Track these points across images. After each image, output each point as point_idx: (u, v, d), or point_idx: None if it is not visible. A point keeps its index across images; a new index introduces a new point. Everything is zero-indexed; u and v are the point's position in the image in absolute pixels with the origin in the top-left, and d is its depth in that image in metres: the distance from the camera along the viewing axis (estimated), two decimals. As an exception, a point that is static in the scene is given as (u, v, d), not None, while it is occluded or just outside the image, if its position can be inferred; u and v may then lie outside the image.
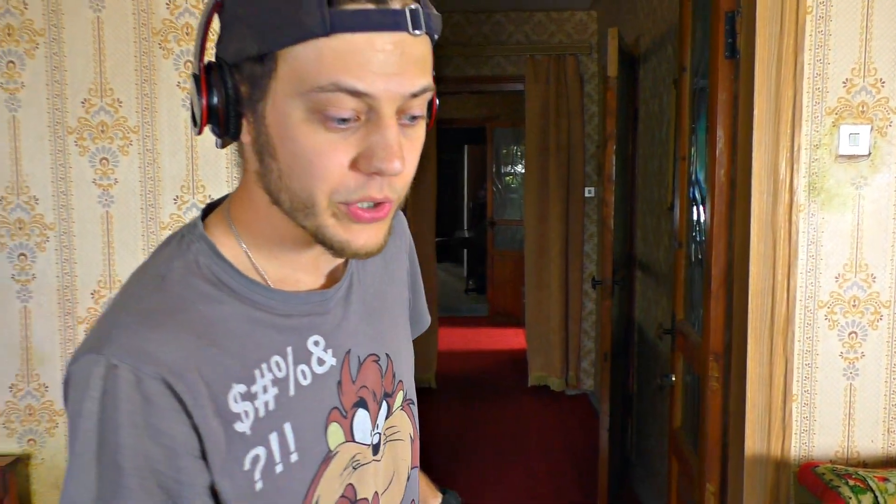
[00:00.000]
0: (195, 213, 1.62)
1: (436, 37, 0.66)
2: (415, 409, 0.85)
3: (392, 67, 0.59)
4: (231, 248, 0.69)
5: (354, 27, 0.58)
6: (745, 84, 1.68)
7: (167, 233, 1.70)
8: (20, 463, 1.76)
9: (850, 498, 1.42)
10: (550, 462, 3.92)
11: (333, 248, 0.65)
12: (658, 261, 3.21)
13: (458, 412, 4.76)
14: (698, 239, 2.17)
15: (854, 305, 1.67)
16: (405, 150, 0.63)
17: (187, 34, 1.66)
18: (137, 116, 1.67)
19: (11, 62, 1.64)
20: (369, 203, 0.63)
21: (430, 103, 0.70)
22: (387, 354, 0.80)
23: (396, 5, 0.60)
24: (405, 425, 0.82)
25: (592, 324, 5.15)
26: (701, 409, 1.94)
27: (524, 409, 4.86)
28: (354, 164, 0.61)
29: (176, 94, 1.68)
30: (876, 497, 1.42)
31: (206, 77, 0.63)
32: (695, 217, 2.24)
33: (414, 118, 0.64)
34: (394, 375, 0.81)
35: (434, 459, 3.85)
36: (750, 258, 1.67)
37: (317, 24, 0.57)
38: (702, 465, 1.93)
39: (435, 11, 0.65)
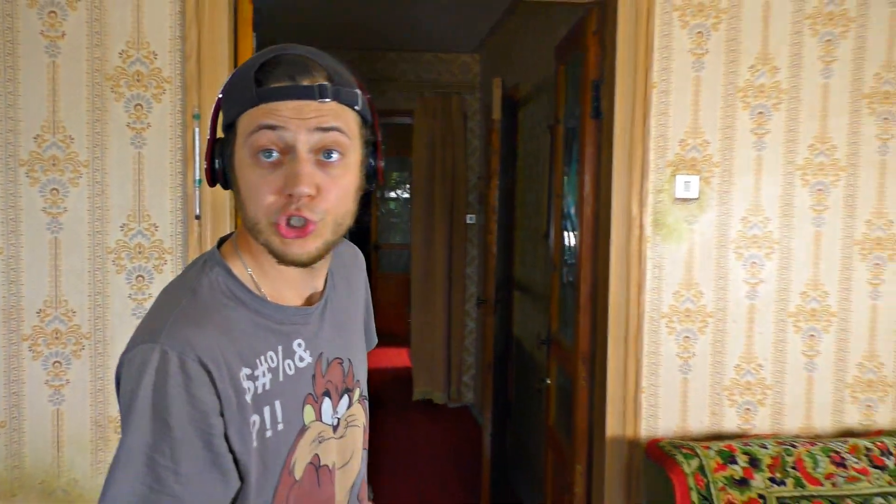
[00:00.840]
0: (140, 240, 1.84)
1: (356, 107, 0.88)
2: (367, 404, 1.10)
3: (300, 113, 0.83)
4: (240, 270, 0.92)
5: (275, 97, 0.84)
6: (607, 140, 2.12)
7: (112, 256, 1.90)
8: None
9: (683, 462, 1.85)
10: (437, 468, 4.25)
11: (276, 256, 0.87)
12: (535, 281, 3.65)
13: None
14: (569, 262, 2.59)
15: (687, 316, 2.13)
16: (322, 182, 0.85)
17: (137, 80, 1.88)
18: (88, 152, 1.87)
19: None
20: (297, 220, 0.84)
21: (376, 164, 0.94)
22: (349, 359, 1.05)
23: (306, 82, 0.84)
24: (360, 415, 1.07)
25: (473, 341, 5.56)
26: (572, 403, 2.34)
27: (411, 422, 5.16)
28: (279, 191, 0.84)
29: (125, 134, 1.88)
30: (701, 461, 1.86)
31: (210, 149, 0.91)
32: (566, 244, 2.66)
33: (330, 155, 0.85)
34: (353, 376, 1.06)
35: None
36: (610, 279, 2.09)
37: (250, 99, 0.85)
38: (572, 449, 2.32)
39: (353, 88, 0.87)
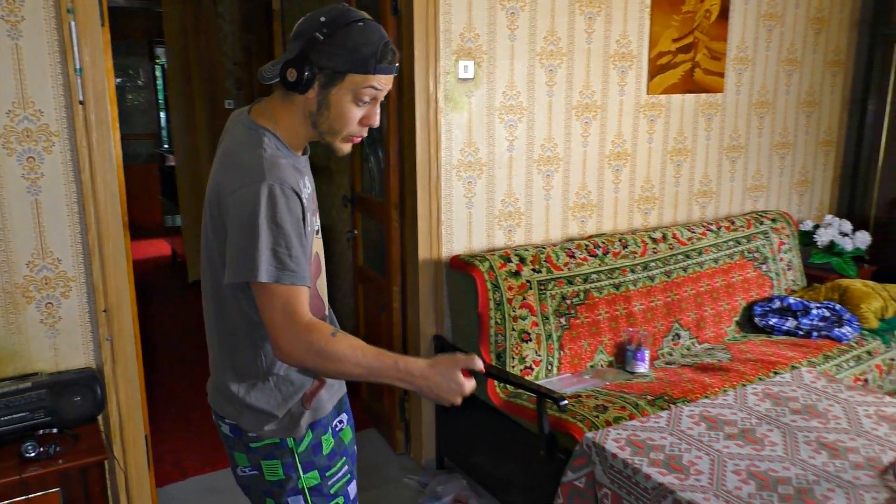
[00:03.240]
0: (27, 125, 2.07)
1: None
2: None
3: (389, 83, 1.40)
4: (279, 135, 1.42)
5: (384, 73, 1.36)
6: (407, 33, 2.73)
7: (2, 141, 2.09)
8: None
9: (479, 265, 2.68)
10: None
11: (332, 149, 1.43)
12: (325, 156, 4.19)
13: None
14: (374, 134, 3.21)
15: (469, 166, 2.91)
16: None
17: (7, -25, 2.03)
18: (-37, 43, 2.00)
19: None
20: (359, 134, 1.42)
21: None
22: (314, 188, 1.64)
23: (396, 65, 1.38)
24: (316, 223, 1.67)
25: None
26: (385, 241, 3.04)
27: (193, 302, 5.49)
28: (361, 120, 1.39)
29: (1, 26, 2.05)
30: (490, 263, 2.71)
31: (305, 68, 1.36)
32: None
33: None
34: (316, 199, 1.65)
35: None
36: (417, 142, 2.77)
37: (372, 68, 1.34)
38: (388, 276, 3.05)
39: None
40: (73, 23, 2.10)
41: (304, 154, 1.50)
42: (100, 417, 2.27)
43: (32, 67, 2.09)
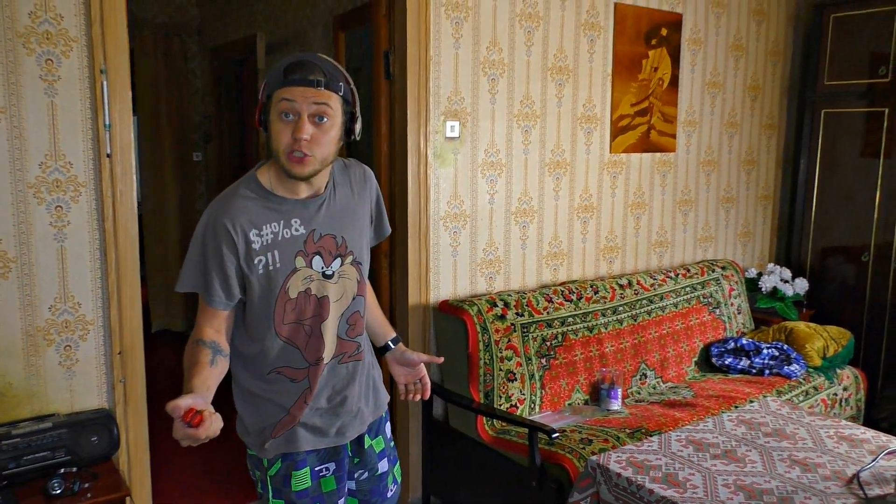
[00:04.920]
0: (57, 176, 2.21)
1: (340, 93, 1.51)
2: (363, 267, 1.73)
3: (305, 94, 1.48)
4: (264, 178, 1.61)
5: (293, 84, 1.47)
6: (399, 96, 2.97)
7: (33, 191, 2.21)
8: None
9: (469, 308, 2.88)
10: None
11: (286, 173, 1.54)
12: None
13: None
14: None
15: (455, 217, 3.13)
16: (315, 133, 1.50)
17: (46, 39, 2.19)
18: (4, 99, 2.14)
19: None
20: (298, 153, 1.50)
21: (352, 126, 1.62)
22: (342, 236, 1.73)
23: (311, 77, 1.47)
24: (352, 272, 1.73)
25: (206, 270, 5.99)
26: (375, 287, 3.21)
27: (156, 352, 5.48)
28: (290, 136, 1.50)
29: (39, 85, 2.19)
30: (478, 307, 2.91)
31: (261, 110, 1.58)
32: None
33: (322, 119, 1.50)
34: (346, 247, 1.73)
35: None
36: (408, 195, 2.99)
37: (280, 83, 1.51)
38: (378, 321, 3.21)
39: (338, 82, 1.51)
40: (105, 82, 2.26)
41: (313, 196, 1.63)
42: (113, 457, 2.34)
43: (65, 123, 2.23)
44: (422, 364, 1.86)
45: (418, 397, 1.87)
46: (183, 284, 1.59)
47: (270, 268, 1.57)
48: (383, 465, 1.82)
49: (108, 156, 2.30)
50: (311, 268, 1.63)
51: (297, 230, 1.60)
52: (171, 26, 5.62)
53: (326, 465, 1.67)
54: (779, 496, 1.76)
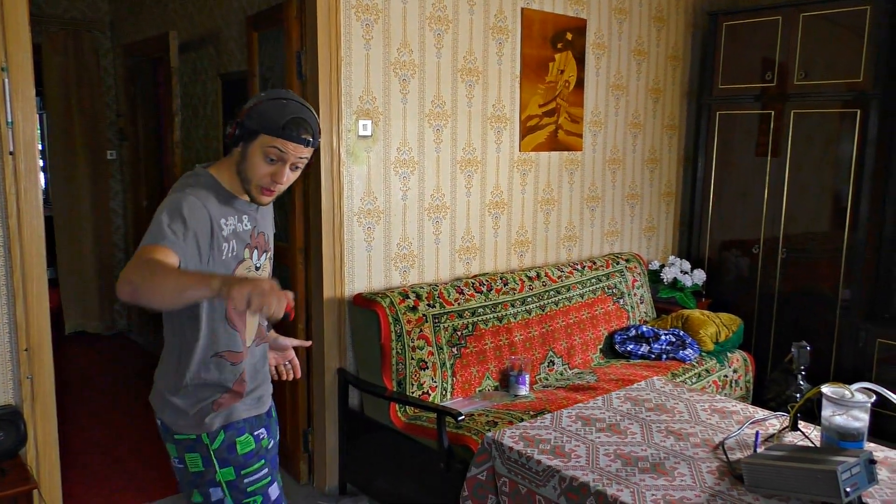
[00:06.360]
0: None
1: (315, 147, 1.75)
2: (271, 263, 1.94)
3: (296, 150, 1.70)
4: (224, 181, 1.73)
5: (289, 139, 1.66)
6: (312, 95, 3.05)
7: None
8: None
9: (381, 301, 2.99)
10: (112, 390, 4.72)
11: (252, 200, 1.72)
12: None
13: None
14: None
15: (368, 213, 3.23)
16: (289, 177, 1.68)
17: None
18: None
19: None
20: (268, 190, 1.69)
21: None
22: (266, 233, 1.89)
23: (305, 136, 1.64)
24: (268, 266, 1.91)
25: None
26: (290, 282, 3.28)
27: (69, 353, 5.37)
28: (269, 175, 1.68)
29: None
30: (391, 299, 3.02)
31: (235, 127, 1.69)
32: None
33: (296, 167, 1.69)
34: (268, 244, 1.90)
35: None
36: (322, 192, 3.07)
37: (277, 132, 1.65)
38: (294, 315, 3.28)
39: (319, 139, 1.70)
40: (6, 80, 2.26)
41: (249, 201, 1.77)
42: (21, 452, 2.35)
43: (-35, 119, 2.22)
44: (291, 348, 2.07)
45: (291, 377, 2.09)
46: (148, 240, 1.56)
47: (231, 254, 1.71)
48: (278, 433, 2.00)
49: (11, 153, 2.30)
50: (252, 260, 1.80)
51: (246, 225, 1.76)
52: (81, 22, 5.51)
53: (260, 431, 1.84)
54: (651, 462, 1.94)
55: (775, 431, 2.12)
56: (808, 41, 4.07)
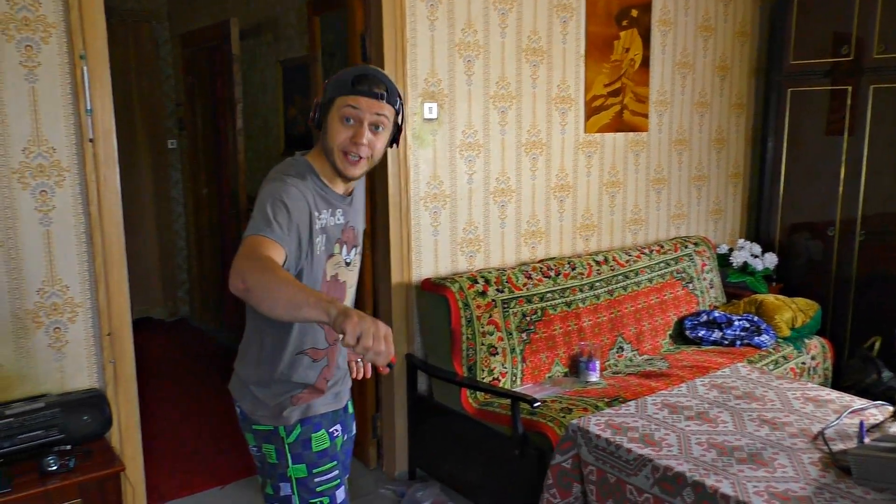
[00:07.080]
0: (41, 161, 2.22)
1: (395, 107, 1.63)
2: (360, 257, 1.90)
3: (369, 105, 1.65)
4: (316, 167, 1.69)
5: (360, 94, 1.62)
6: (378, 78, 3.00)
7: (17, 176, 2.22)
8: None
9: (451, 286, 2.95)
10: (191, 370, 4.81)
11: (337, 171, 1.67)
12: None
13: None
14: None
15: (435, 198, 3.19)
16: (370, 140, 1.62)
17: (26, 25, 2.20)
18: (-16, 85, 2.15)
19: None
20: (353, 156, 1.64)
21: (398, 134, 1.74)
22: (357, 229, 1.85)
23: (375, 90, 1.60)
24: (358, 262, 1.87)
25: (184, 258, 6.00)
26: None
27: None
28: (349, 139, 1.62)
29: (19, 71, 2.20)
30: (460, 284, 2.98)
31: (316, 108, 1.66)
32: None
33: (377, 128, 1.63)
34: (358, 238, 1.86)
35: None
36: (388, 176, 3.04)
37: (348, 91, 1.62)
38: (361, 301, 3.27)
39: (396, 97, 1.63)
40: (85, 68, 2.27)
41: (346, 194, 1.75)
42: (106, 435, 2.38)
43: (46, 108, 2.25)
44: None
45: (361, 375, 1.98)
46: (252, 226, 1.54)
47: (322, 248, 1.66)
48: (353, 428, 1.98)
49: (91, 140, 2.32)
50: (341, 255, 1.75)
51: (338, 220, 1.72)
52: (139, 13, 5.58)
53: (335, 427, 1.81)
54: (749, 452, 1.86)
55: (878, 422, 2.02)
56: (889, 11, 3.86)
